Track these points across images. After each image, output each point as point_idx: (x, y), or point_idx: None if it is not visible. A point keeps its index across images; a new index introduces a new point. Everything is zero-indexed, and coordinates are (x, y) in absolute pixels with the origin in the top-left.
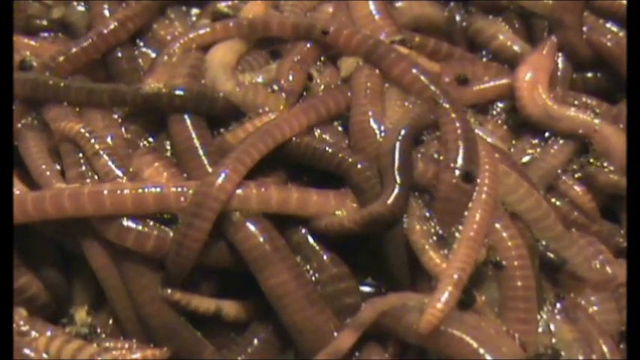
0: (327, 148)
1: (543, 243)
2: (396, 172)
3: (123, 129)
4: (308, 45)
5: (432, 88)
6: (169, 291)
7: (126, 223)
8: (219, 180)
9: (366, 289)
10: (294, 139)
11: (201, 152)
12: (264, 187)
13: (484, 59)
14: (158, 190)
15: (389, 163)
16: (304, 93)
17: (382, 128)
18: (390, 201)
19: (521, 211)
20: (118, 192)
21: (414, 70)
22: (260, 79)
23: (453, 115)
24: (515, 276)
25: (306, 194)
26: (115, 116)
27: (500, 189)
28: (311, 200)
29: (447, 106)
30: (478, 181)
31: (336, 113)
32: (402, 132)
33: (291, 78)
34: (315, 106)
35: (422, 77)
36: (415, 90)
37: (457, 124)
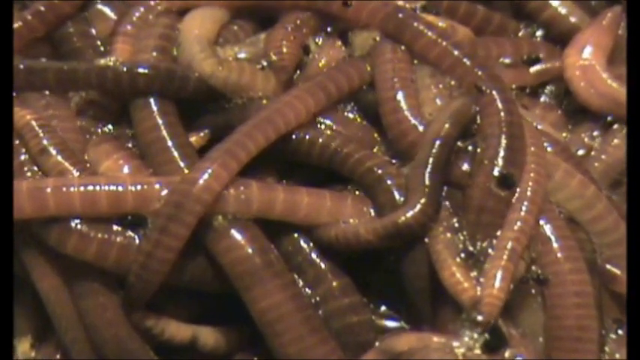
0: (339, 149)
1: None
2: (427, 176)
3: (77, 119)
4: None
5: (478, 72)
6: (139, 315)
7: (69, 223)
8: (204, 177)
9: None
10: (299, 134)
11: (169, 144)
12: (244, 186)
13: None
14: (114, 187)
15: (420, 164)
16: (297, 71)
17: (420, 121)
18: (417, 208)
19: (585, 221)
20: (64, 189)
21: (456, 52)
22: (244, 54)
23: (499, 105)
24: (568, 294)
25: (296, 195)
26: (71, 105)
27: (558, 193)
28: (302, 202)
29: (494, 93)
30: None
31: (347, 93)
32: (446, 126)
33: (284, 50)
34: (323, 84)
35: (465, 60)
36: (457, 74)
37: (502, 117)
